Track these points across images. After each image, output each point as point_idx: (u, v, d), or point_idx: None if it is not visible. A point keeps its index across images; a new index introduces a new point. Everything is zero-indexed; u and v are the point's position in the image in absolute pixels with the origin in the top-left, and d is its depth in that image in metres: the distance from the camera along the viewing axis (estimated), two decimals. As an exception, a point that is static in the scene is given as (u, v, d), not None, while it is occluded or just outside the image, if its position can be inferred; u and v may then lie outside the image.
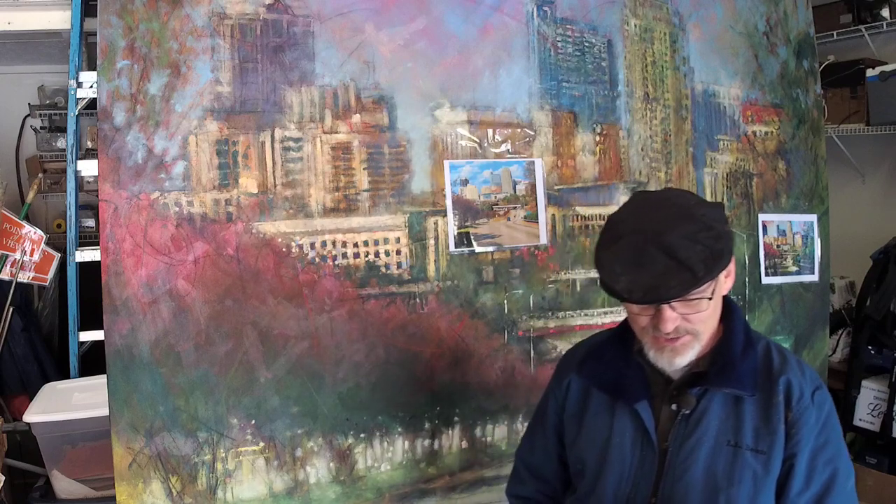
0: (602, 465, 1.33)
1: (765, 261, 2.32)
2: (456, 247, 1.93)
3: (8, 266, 2.80)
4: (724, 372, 1.25)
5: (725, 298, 1.33)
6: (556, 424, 1.46)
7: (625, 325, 1.37)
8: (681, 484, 1.24)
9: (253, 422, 1.76)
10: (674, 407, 1.28)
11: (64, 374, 2.73)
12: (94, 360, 2.46)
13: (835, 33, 3.25)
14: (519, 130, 2.01)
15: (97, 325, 1.87)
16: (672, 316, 1.19)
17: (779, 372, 1.27)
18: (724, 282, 1.26)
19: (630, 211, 1.27)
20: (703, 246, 1.15)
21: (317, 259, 1.81)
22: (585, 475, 1.37)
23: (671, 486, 1.25)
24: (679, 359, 1.24)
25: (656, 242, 1.16)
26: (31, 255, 2.84)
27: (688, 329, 1.22)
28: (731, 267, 1.26)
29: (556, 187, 2.04)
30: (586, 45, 2.09)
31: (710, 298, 1.20)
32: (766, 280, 2.32)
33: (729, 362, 1.26)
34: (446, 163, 1.93)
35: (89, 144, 3.44)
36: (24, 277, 2.85)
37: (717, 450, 1.24)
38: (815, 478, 1.23)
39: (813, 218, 2.42)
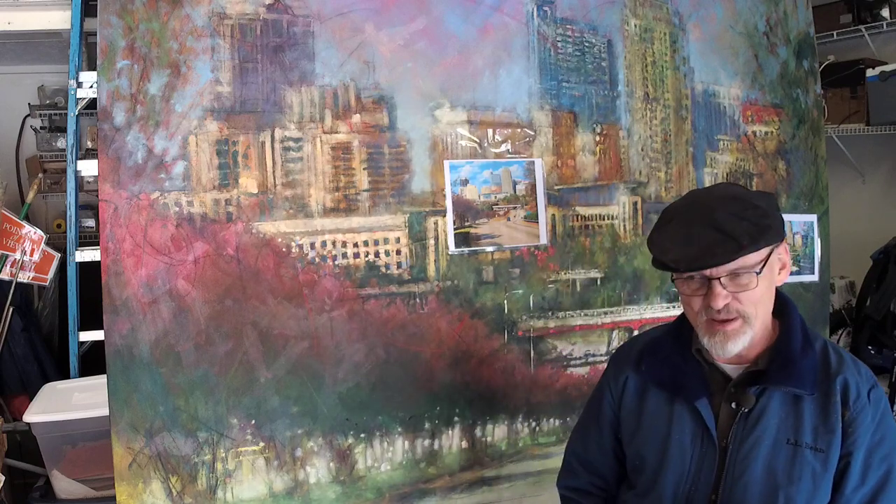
0: (662, 462, 1.33)
1: (765, 261, 2.32)
2: (456, 247, 1.93)
3: (8, 266, 2.80)
4: (784, 370, 1.26)
5: (782, 296, 1.34)
6: (612, 421, 1.46)
7: (680, 321, 1.38)
8: (741, 482, 1.25)
9: (253, 422, 1.76)
10: (733, 405, 1.28)
11: (64, 374, 2.73)
12: (94, 360, 2.46)
13: (835, 33, 3.25)
14: (519, 130, 2.01)
15: (97, 325, 1.87)
16: (722, 293, 1.21)
17: (836, 371, 1.28)
18: (779, 274, 1.28)
19: (683, 201, 1.33)
20: (749, 222, 1.20)
21: (317, 259, 1.81)
22: (645, 472, 1.37)
23: (731, 484, 1.26)
24: (731, 344, 1.24)
25: (704, 220, 1.22)
26: (31, 255, 2.84)
27: (738, 310, 1.23)
28: (787, 259, 1.30)
29: (556, 187, 2.04)
30: (586, 45, 2.09)
31: (759, 273, 1.21)
32: (766, 280, 2.32)
33: (789, 360, 1.27)
34: (446, 163, 1.93)
35: (89, 144, 3.44)
36: (24, 277, 2.85)
37: (777, 448, 1.25)
38: (870, 474, 1.24)
39: (813, 218, 2.42)
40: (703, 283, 1.23)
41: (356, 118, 1.85)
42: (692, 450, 1.31)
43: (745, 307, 1.23)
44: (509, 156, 2.00)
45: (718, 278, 1.21)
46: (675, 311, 2.17)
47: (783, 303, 1.34)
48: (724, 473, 1.27)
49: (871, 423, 1.25)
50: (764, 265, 1.22)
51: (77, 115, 2.42)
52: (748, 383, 1.28)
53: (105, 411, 1.70)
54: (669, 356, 1.38)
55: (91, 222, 3.47)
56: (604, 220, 2.10)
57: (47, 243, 2.88)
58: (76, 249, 2.42)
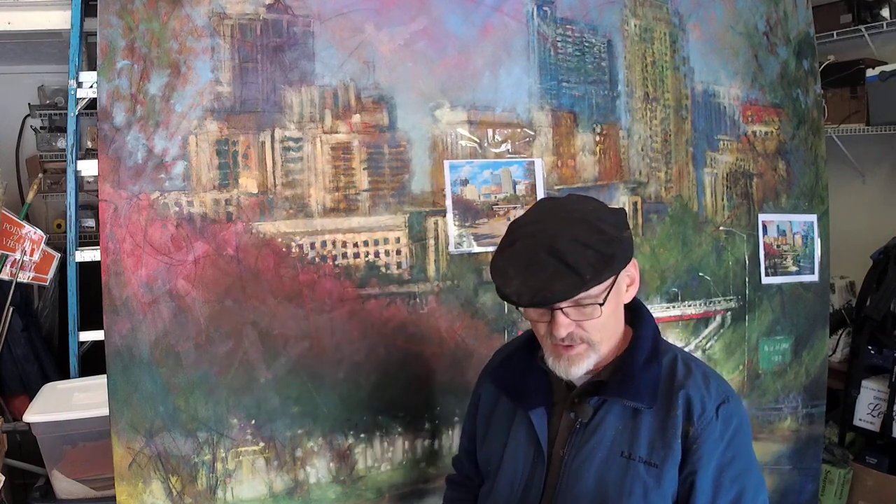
0: (498, 469, 1.34)
1: (765, 261, 2.32)
2: (456, 247, 1.93)
3: (8, 266, 2.80)
4: (623, 382, 1.24)
5: (638, 306, 1.33)
6: (470, 430, 1.53)
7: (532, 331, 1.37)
8: (571, 493, 1.24)
9: (253, 422, 1.76)
10: (572, 415, 1.27)
11: (64, 374, 2.73)
12: (94, 360, 2.47)
13: (835, 33, 3.25)
14: (519, 130, 2.01)
15: (97, 325, 1.87)
16: (565, 322, 1.19)
17: (680, 385, 1.24)
18: (626, 291, 1.26)
19: (529, 216, 1.26)
20: (594, 251, 1.14)
21: (317, 259, 1.81)
22: (488, 478, 1.40)
23: (562, 495, 1.24)
24: (575, 368, 1.23)
25: (547, 247, 1.16)
26: (31, 255, 2.84)
27: (582, 337, 1.21)
28: (635, 274, 1.27)
29: (556, 187, 2.04)
30: (586, 45, 2.09)
31: (602, 304, 1.18)
32: (766, 280, 2.32)
33: (629, 373, 1.25)
34: (446, 163, 1.93)
35: (89, 144, 3.44)
36: (24, 277, 2.85)
37: (611, 461, 1.23)
38: (721, 495, 1.20)
39: (813, 218, 2.42)
40: (547, 310, 1.20)
41: (356, 118, 1.85)
42: (525, 459, 1.30)
43: (590, 334, 1.21)
44: (509, 156, 2.00)
45: (561, 308, 1.18)
46: (675, 311, 2.17)
47: (638, 313, 1.32)
48: (558, 484, 1.25)
49: (719, 440, 1.20)
50: (608, 294, 1.19)
51: (77, 115, 2.42)
52: (591, 393, 1.27)
53: (105, 411, 1.70)
54: (518, 365, 1.38)
55: (91, 222, 3.48)
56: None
57: (47, 243, 2.89)
58: (76, 249, 2.42)
